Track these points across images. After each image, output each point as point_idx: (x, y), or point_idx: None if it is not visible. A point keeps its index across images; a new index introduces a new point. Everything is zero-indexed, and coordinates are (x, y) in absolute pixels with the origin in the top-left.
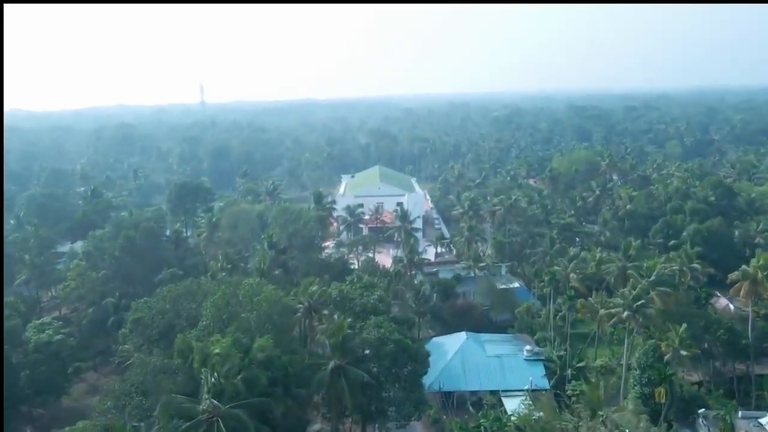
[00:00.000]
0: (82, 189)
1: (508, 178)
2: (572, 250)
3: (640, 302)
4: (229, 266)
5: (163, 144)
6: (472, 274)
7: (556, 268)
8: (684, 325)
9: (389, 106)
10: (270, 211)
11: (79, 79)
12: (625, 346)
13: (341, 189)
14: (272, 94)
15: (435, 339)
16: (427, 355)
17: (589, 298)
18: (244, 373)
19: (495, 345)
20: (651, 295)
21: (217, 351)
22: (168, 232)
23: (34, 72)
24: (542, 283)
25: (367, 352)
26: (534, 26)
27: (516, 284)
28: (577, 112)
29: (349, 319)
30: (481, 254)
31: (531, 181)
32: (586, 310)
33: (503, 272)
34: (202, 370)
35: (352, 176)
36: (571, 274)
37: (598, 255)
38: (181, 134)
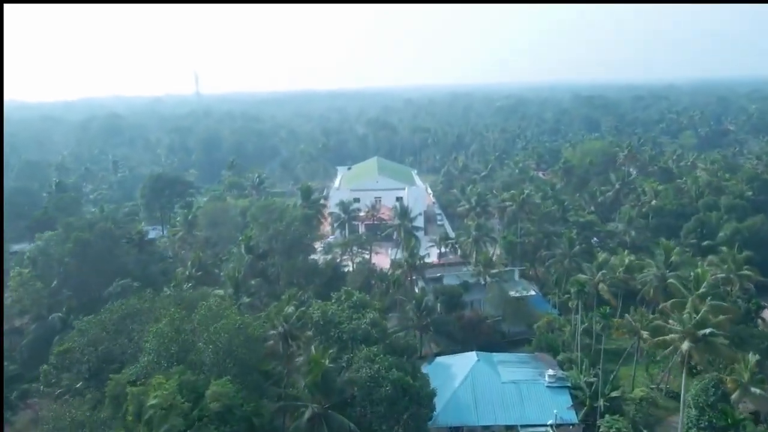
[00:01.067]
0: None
1: (517, 171)
2: (601, 255)
3: (706, 331)
4: (200, 273)
5: (153, 135)
6: (483, 282)
7: (582, 276)
8: (755, 356)
9: (389, 96)
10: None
11: (75, 69)
12: (683, 384)
13: (336, 182)
14: (270, 85)
15: (440, 359)
16: (433, 394)
17: (627, 315)
18: None
19: (511, 368)
20: (717, 319)
21: (154, 401)
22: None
23: (29, 62)
24: (567, 295)
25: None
26: (533, 19)
27: (532, 292)
28: (583, 101)
29: (332, 351)
30: (493, 258)
31: (540, 174)
32: (624, 331)
33: (516, 277)
34: None
35: (349, 168)
36: (601, 284)
37: (626, 259)
38: (171, 124)
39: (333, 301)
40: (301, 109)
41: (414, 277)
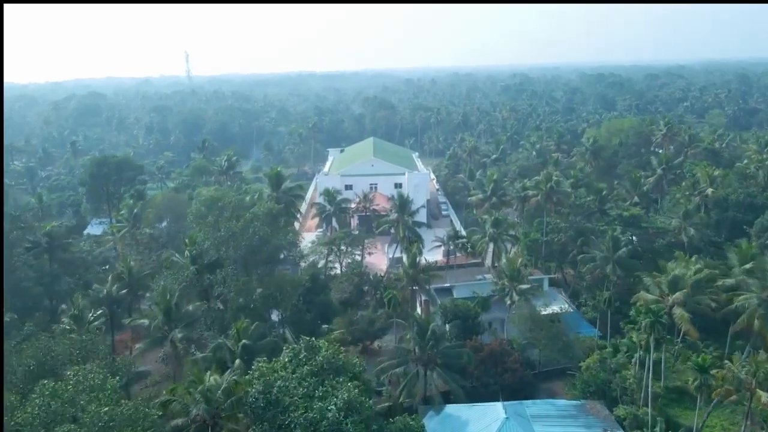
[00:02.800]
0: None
1: (534, 153)
2: (673, 266)
3: None
4: (124, 292)
5: (134, 115)
6: (509, 302)
7: (647, 295)
8: None
9: (389, 77)
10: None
11: (71, 51)
12: None
13: (326, 167)
14: (267, 67)
15: (450, 409)
16: None
17: (729, 364)
18: None
19: (552, 427)
20: None
21: None
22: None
23: (21, 43)
24: (633, 327)
25: None
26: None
27: (568, 307)
28: (595, 79)
29: None
30: (522, 267)
31: (557, 156)
32: (730, 388)
33: (545, 287)
34: None
35: (341, 151)
36: (677, 309)
37: (692, 268)
38: (153, 104)
39: (287, 359)
40: (297, 89)
41: (415, 287)
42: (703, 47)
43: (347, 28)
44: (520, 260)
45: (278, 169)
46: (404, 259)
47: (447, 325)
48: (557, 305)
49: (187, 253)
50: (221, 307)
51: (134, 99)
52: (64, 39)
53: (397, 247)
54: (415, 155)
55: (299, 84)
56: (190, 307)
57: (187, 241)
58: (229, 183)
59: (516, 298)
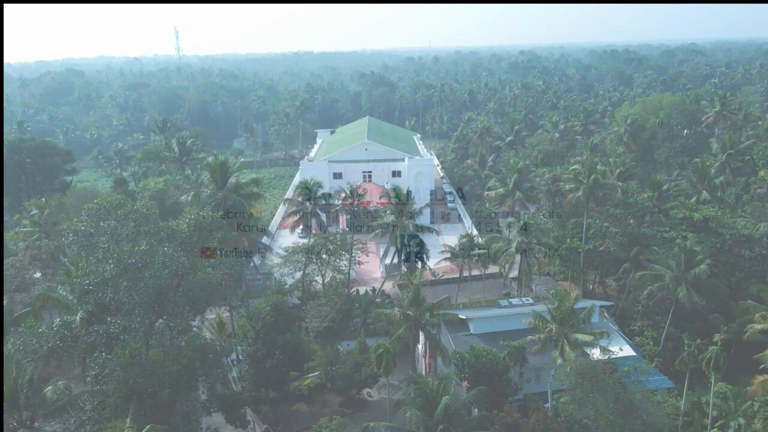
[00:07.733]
0: None
1: (557, 135)
2: None
3: None
4: None
5: (107, 93)
6: (559, 360)
7: None
8: None
9: (389, 56)
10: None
11: (63, 30)
12: None
13: (312, 151)
14: (264, 48)
15: None
16: None
17: None
18: None
19: None
20: None
21: None
22: None
23: (15, 23)
24: None
25: None
26: None
27: (629, 348)
28: (608, 56)
29: None
30: (577, 307)
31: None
32: None
33: (595, 318)
34: None
35: (332, 132)
36: None
37: None
38: (132, 81)
39: None
40: (291, 68)
41: (421, 322)
42: (709, 27)
43: (346, 6)
44: (575, 294)
45: (221, 158)
46: (403, 268)
47: (463, 383)
48: (615, 345)
49: (69, 287)
50: (102, 387)
51: (117, 78)
52: (60, 18)
53: (395, 253)
54: (416, 137)
55: (295, 63)
56: (61, 383)
57: (72, 268)
58: (189, 172)
59: (570, 353)
